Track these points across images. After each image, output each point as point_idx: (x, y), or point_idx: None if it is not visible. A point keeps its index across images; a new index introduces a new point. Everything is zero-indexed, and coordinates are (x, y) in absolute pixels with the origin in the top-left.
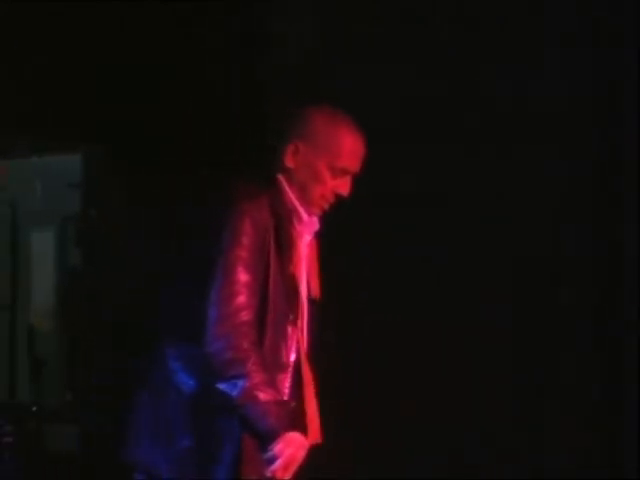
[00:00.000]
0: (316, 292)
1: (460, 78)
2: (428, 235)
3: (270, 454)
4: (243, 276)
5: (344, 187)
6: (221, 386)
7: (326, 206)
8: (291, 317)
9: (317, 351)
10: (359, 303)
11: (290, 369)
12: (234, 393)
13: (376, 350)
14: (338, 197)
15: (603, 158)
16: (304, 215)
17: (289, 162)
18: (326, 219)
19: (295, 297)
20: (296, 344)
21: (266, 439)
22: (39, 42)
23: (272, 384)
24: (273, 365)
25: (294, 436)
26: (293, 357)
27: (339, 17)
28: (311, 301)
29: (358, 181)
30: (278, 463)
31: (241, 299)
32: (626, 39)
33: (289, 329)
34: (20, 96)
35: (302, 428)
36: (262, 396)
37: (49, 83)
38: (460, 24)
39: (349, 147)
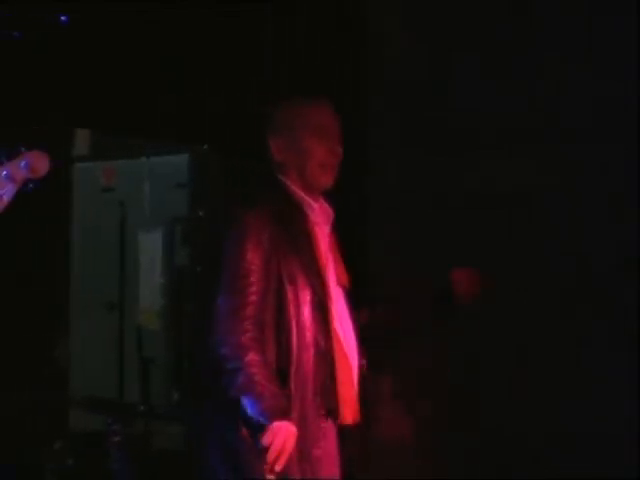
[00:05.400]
0: (345, 279)
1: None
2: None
3: (260, 446)
4: (245, 279)
5: (334, 145)
6: (224, 380)
7: (330, 173)
8: (317, 302)
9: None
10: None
11: (314, 349)
12: (231, 386)
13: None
14: (335, 157)
15: None
16: (313, 203)
17: (278, 156)
18: None
19: (319, 282)
20: (325, 327)
21: (256, 431)
22: (145, 45)
23: (268, 378)
24: (298, 346)
25: (281, 425)
26: (320, 339)
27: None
28: (344, 289)
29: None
30: (268, 454)
31: (243, 298)
32: None
33: (315, 313)
34: (131, 98)
35: (334, 409)
36: (253, 389)
37: (158, 86)
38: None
39: (316, 109)
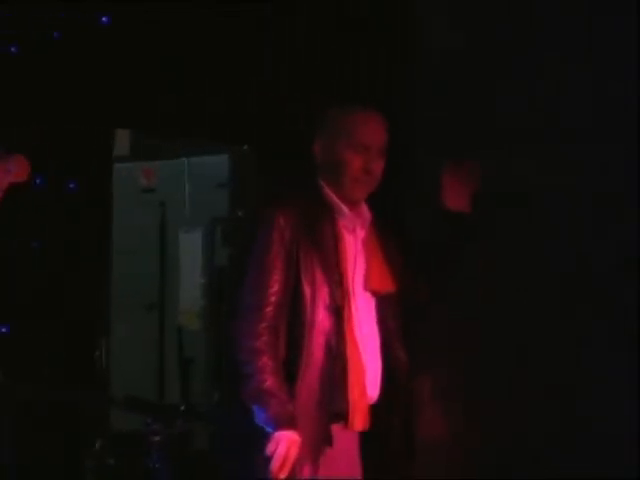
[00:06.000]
0: (376, 285)
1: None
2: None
3: (266, 454)
4: (265, 280)
5: (370, 163)
6: (239, 384)
7: (363, 188)
8: (333, 306)
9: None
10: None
11: (325, 352)
12: (243, 391)
13: None
14: (370, 175)
15: None
16: (345, 209)
17: (318, 159)
18: None
19: (337, 286)
20: (340, 331)
21: (263, 437)
22: (176, 46)
23: (278, 385)
24: (309, 348)
25: (284, 434)
26: (333, 342)
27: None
28: (376, 294)
29: None
30: (272, 462)
31: (263, 299)
32: None
33: (330, 316)
34: (168, 99)
35: (343, 413)
36: (262, 396)
37: (195, 86)
38: None
39: (360, 123)
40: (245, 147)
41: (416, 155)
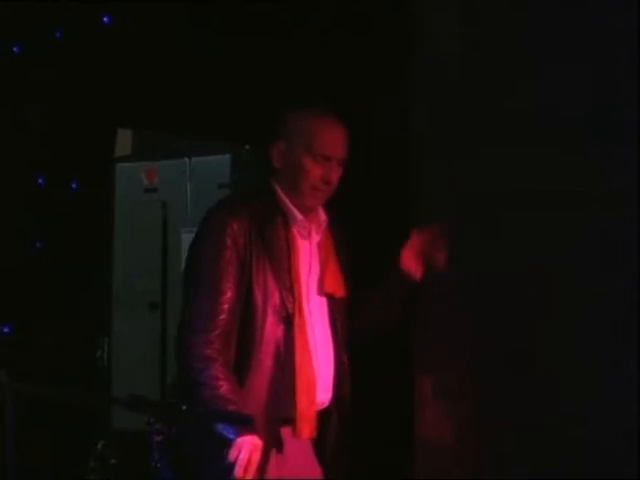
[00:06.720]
0: (330, 288)
1: None
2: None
3: (227, 460)
4: (218, 286)
5: (330, 173)
6: (192, 391)
7: (321, 196)
8: (284, 314)
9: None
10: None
11: (274, 359)
12: (197, 399)
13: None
14: (329, 184)
15: None
16: (298, 215)
17: (276, 162)
18: None
19: (288, 292)
20: (290, 338)
21: (223, 445)
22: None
23: (233, 391)
24: (257, 354)
25: (245, 440)
26: (282, 349)
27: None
28: (330, 298)
29: None
30: (235, 469)
31: (216, 306)
32: None
33: (281, 322)
34: (171, 99)
35: (291, 420)
36: (218, 404)
37: (199, 86)
38: None
39: (323, 133)
40: (247, 147)
41: (417, 155)
